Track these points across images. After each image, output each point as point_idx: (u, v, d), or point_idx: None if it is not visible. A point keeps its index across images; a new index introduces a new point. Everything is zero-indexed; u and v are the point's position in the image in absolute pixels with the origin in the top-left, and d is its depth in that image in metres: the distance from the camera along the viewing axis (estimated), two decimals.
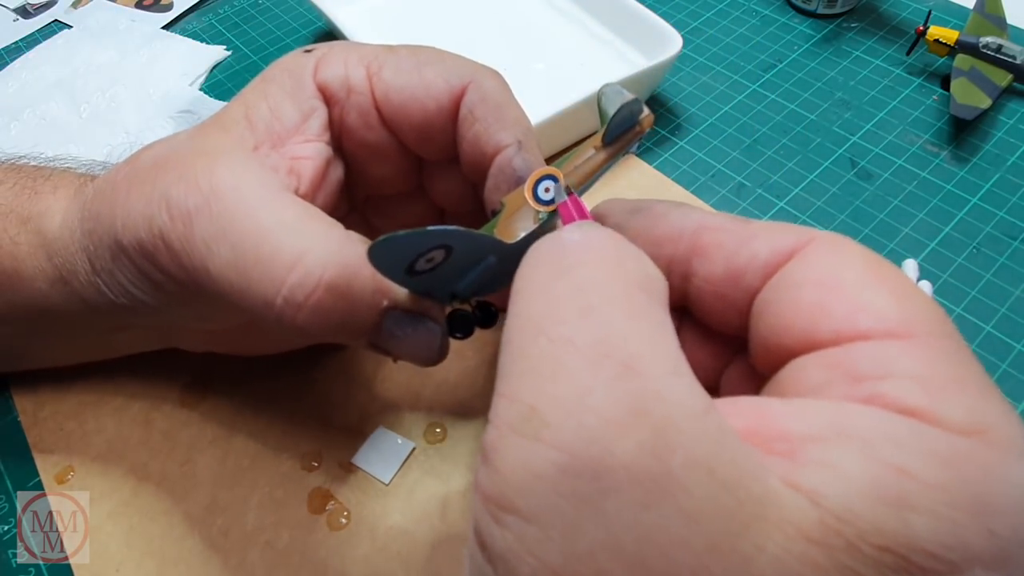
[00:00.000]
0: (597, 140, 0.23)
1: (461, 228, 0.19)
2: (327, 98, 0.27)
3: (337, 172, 0.28)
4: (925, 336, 0.15)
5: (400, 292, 0.23)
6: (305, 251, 0.22)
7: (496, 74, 0.27)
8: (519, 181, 0.24)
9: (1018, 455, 0.14)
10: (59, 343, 0.33)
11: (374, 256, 0.19)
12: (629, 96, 0.22)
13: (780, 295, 0.17)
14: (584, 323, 0.15)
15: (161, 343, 0.33)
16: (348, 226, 0.31)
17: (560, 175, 0.22)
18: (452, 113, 0.26)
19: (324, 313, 0.22)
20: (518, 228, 0.22)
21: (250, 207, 0.23)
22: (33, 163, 0.32)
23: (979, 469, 0.13)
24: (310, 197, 0.26)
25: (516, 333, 0.16)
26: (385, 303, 0.23)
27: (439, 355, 0.24)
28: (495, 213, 0.23)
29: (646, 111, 0.23)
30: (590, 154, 0.23)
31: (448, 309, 0.25)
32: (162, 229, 0.24)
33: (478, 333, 0.25)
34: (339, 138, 0.28)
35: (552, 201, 0.22)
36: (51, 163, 0.32)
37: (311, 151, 0.26)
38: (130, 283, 0.26)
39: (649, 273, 0.17)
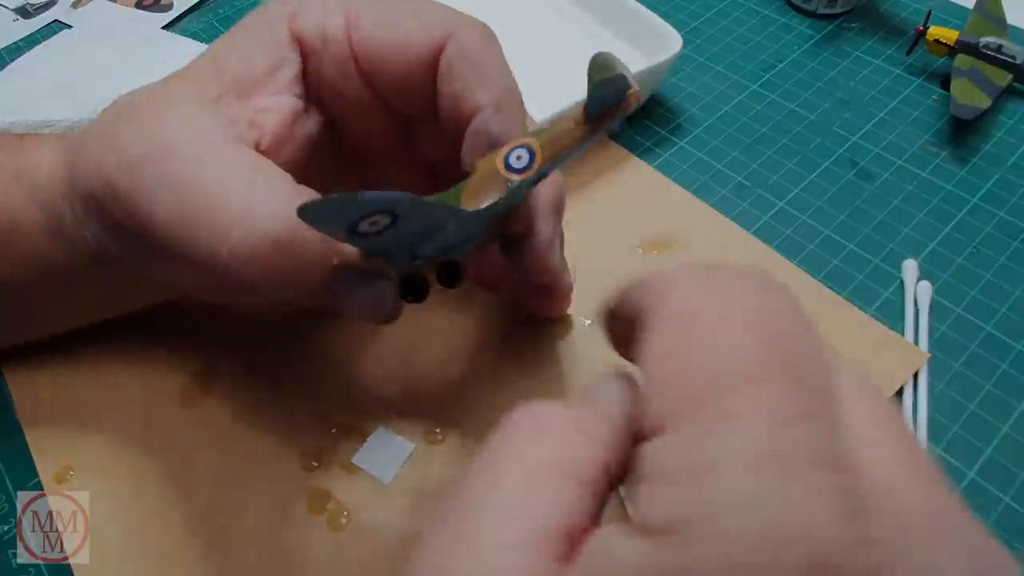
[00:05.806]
0: (579, 112, 0.22)
1: (404, 195, 0.18)
2: (303, 48, 0.26)
3: (309, 126, 0.26)
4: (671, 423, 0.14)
5: (351, 250, 0.22)
6: (251, 204, 0.21)
7: (481, 26, 0.25)
8: (493, 146, 0.23)
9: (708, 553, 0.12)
10: (69, 301, 0.32)
11: (304, 217, 0.18)
12: (617, 70, 0.21)
13: None
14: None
15: (169, 293, 0.33)
16: (339, 179, 0.30)
17: (536, 145, 0.21)
18: (431, 68, 0.25)
19: (271, 269, 0.21)
20: (486, 194, 0.21)
21: (197, 156, 0.22)
22: (19, 129, 0.32)
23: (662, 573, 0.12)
24: (274, 150, 0.25)
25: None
26: (335, 261, 0.22)
27: (390, 316, 0.24)
28: (468, 175, 0.22)
29: (634, 87, 0.21)
30: (570, 127, 0.22)
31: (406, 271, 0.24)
32: (110, 177, 0.23)
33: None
34: (318, 90, 0.27)
35: (523, 170, 0.21)
36: (39, 126, 0.32)
37: (277, 103, 0.25)
38: (101, 232, 0.26)
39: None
